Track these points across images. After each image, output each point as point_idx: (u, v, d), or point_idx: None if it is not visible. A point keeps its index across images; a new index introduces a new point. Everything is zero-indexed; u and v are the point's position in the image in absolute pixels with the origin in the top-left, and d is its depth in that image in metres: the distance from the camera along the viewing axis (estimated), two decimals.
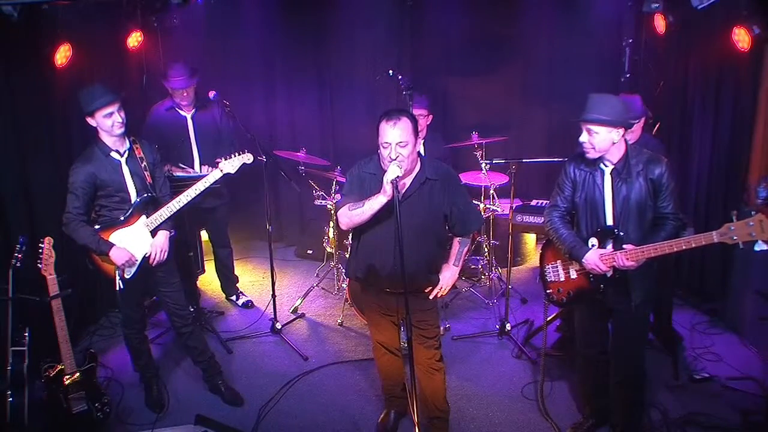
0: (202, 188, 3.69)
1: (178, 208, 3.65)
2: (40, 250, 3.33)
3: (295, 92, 6.24)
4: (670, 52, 5.11)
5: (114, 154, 3.52)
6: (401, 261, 2.75)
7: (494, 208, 5.19)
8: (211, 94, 4.44)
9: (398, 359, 3.51)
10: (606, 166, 3.09)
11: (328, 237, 5.34)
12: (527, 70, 6.00)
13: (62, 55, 4.16)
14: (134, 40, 4.90)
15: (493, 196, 5.19)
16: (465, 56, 6.01)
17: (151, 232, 3.63)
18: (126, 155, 3.56)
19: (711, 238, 2.76)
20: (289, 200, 6.42)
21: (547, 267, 3.44)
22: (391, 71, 4.81)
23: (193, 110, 4.79)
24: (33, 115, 4.20)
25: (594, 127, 2.97)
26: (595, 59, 5.72)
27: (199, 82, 4.74)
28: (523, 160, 4.51)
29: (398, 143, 2.90)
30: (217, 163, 4.73)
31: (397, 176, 2.80)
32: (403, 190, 2.99)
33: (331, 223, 5.26)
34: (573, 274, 3.28)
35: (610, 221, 3.10)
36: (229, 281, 5.35)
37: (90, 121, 3.44)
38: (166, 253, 3.66)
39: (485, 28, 5.85)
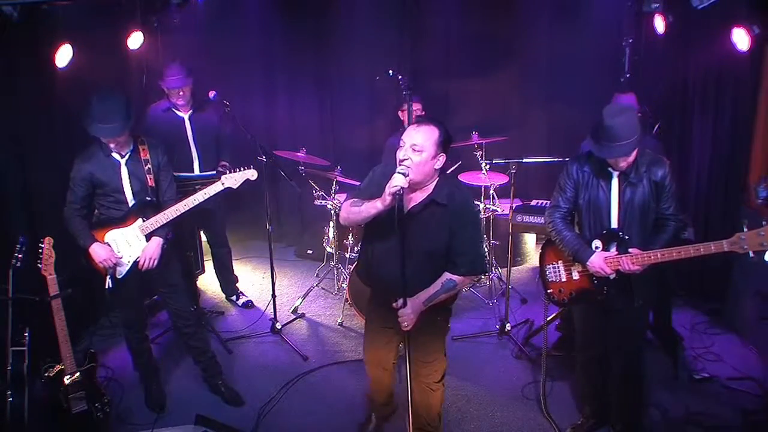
0: (201, 199, 3.63)
1: (174, 216, 3.61)
2: (40, 250, 3.33)
3: (296, 92, 6.24)
4: (670, 52, 5.10)
5: (115, 155, 3.52)
6: (403, 278, 2.66)
7: (494, 208, 5.19)
8: (211, 94, 4.44)
9: (388, 372, 3.39)
10: (614, 170, 3.07)
11: (328, 237, 5.34)
12: (527, 70, 6.00)
13: (62, 55, 4.16)
14: (134, 40, 4.90)
15: (493, 196, 5.19)
16: (465, 56, 6.01)
17: (146, 236, 3.62)
18: (127, 156, 3.55)
19: (721, 246, 2.74)
20: (289, 200, 6.42)
21: (547, 267, 3.42)
22: (391, 71, 4.81)
23: (191, 111, 4.78)
24: (33, 115, 4.20)
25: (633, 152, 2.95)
26: (595, 59, 5.72)
27: (196, 83, 4.73)
28: (523, 160, 4.50)
29: (413, 145, 2.73)
30: (221, 169, 4.69)
31: (400, 187, 2.63)
32: (410, 205, 2.83)
33: (331, 223, 5.26)
34: (575, 275, 3.28)
35: (614, 224, 3.09)
36: (228, 281, 5.35)
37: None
38: (155, 261, 3.62)
39: (485, 28, 5.85)
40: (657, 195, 3.04)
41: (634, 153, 2.98)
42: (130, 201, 3.58)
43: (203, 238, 5.51)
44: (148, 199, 3.61)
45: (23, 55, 4.00)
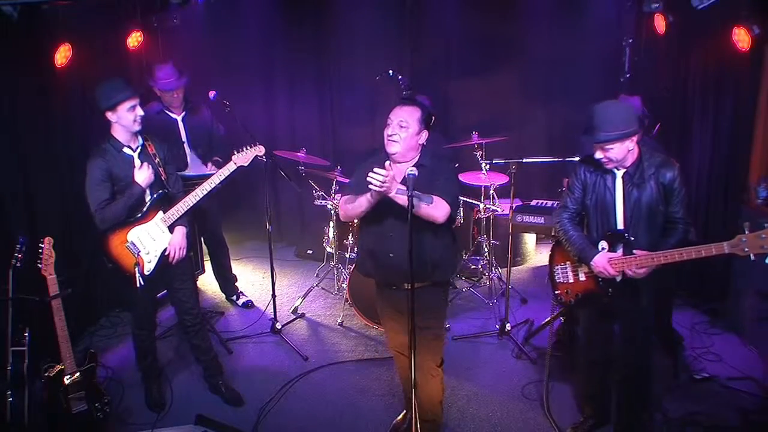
0: (218, 182, 3.67)
1: (194, 202, 3.62)
2: (40, 250, 3.32)
3: (296, 92, 6.25)
4: (670, 52, 5.10)
5: (126, 150, 3.51)
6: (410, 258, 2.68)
7: (494, 208, 5.19)
8: (211, 94, 4.43)
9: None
10: (618, 169, 3.06)
11: (328, 237, 5.34)
12: (527, 70, 6.00)
13: (62, 55, 4.16)
14: (134, 40, 4.89)
15: (493, 196, 5.19)
16: (465, 56, 6.02)
17: (168, 227, 3.61)
18: (138, 151, 3.55)
19: (722, 249, 2.73)
20: (289, 200, 6.42)
21: (556, 268, 3.42)
22: (391, 71, 4.81)
23: (184, 113, 4.79)
24: (33, 115, 4.20)
25: (608, 144, 2.94)
26: (595, 59, 5.73)
27: (191, 83, 4.73)
28: (523, 160, 4.49)
29: (399, 122, 2.94)
30: (216, 160, 4.68)
31: (382, 181, 2.65)
32: (398, 179, 2.89)
33: (331, 223, 5.26)
34: (582, 277, 3.27)
35: (620, 225, 3.09)
36: (227, 281, 5.34)
37: (110, 116, 3.41)
38: (184, 251, 3.66)
39: (485, 28, 5.86)
40: (665, 198, 3.01)
41: (622, 150, 2.93)
42: (147, 195, 3.56)
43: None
44: (163, 191, 3.61)
45: (23, 55, 4.00)
